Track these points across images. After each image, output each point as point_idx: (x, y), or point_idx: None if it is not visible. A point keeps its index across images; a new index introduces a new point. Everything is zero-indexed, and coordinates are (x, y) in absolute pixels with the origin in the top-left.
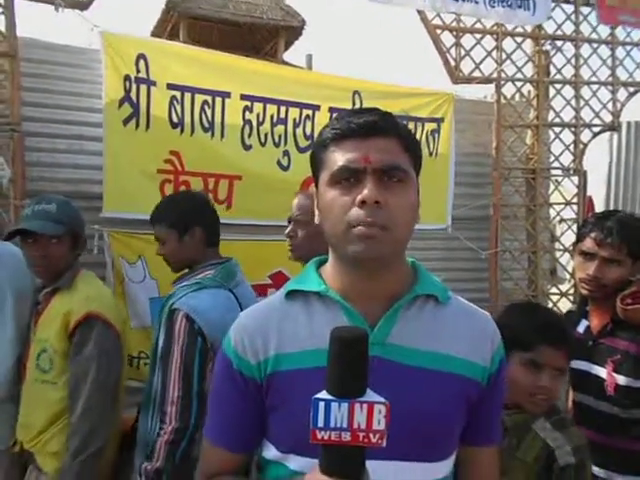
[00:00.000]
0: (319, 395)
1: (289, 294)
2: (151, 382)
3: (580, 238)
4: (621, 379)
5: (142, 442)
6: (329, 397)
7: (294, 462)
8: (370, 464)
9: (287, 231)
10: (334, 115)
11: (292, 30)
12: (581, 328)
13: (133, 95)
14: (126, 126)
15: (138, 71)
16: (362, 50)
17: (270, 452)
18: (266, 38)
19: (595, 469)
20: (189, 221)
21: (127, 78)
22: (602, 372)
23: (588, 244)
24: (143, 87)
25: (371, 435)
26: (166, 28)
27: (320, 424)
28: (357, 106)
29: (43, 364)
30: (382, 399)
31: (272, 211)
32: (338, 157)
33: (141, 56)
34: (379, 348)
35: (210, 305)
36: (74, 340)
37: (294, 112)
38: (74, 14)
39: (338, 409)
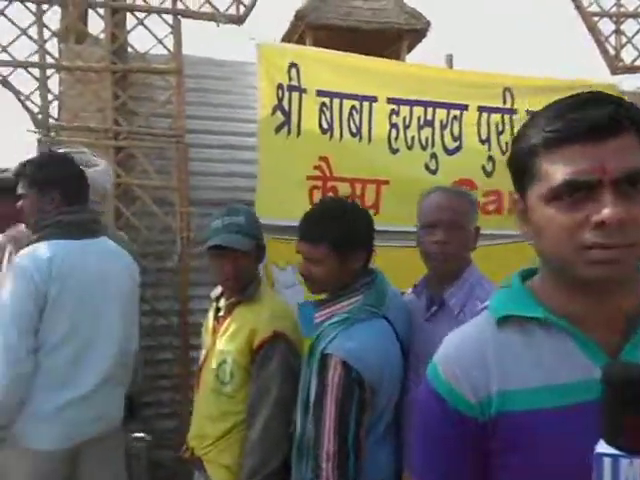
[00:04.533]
0: (602, 449)
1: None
2: (303, 429)
3: None
4: None
5: None
6: (615, 452)
7: None
8: None
9: (437, 238)
10: (529, 112)
11: (415, 33)
12: None
13: (285, 103)
14: (278, 134)
15: (290, 79)
16: (506, 45)
17: None
18: (387, 42)
19: None
20: (357, 243)
21: (280, 87)
22: None
23: None
24: (295, 95)
25: None
26: (291, 39)
27: None
28: (508, 104)
29: (222, 375)
30: None
31: None
32: (559, 168)
33: (293, 65)
34: None
35: (367, 345)
36: (258, 357)
37: (441, 113)
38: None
39: (629, 466)
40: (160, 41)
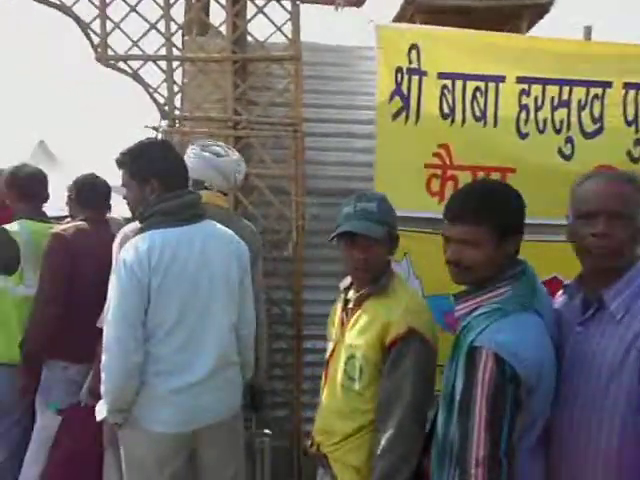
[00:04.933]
0: None
1: None
2: (446, 429)
3: None
4: None
5: None
6: None
7: None
8: None
9: (597, 230)
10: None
11: (537, 8)
12: None
13: (404, 88)
14: (395, 120)
15: (410, 62)
16: None
17: None
18: (503, 21)
19: None
20: (515, 226)
21: (399, 70)
22: None
23: None
24: (414, 78)
25: None
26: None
27: None
28: None
29: (351, 371)
30: None
31: (549, 207)
32: None
33: (413, 46)
34: None
35: (522, 338)
36: (391, 354)
37: (579, 92)
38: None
39: None
40: (279, 28)
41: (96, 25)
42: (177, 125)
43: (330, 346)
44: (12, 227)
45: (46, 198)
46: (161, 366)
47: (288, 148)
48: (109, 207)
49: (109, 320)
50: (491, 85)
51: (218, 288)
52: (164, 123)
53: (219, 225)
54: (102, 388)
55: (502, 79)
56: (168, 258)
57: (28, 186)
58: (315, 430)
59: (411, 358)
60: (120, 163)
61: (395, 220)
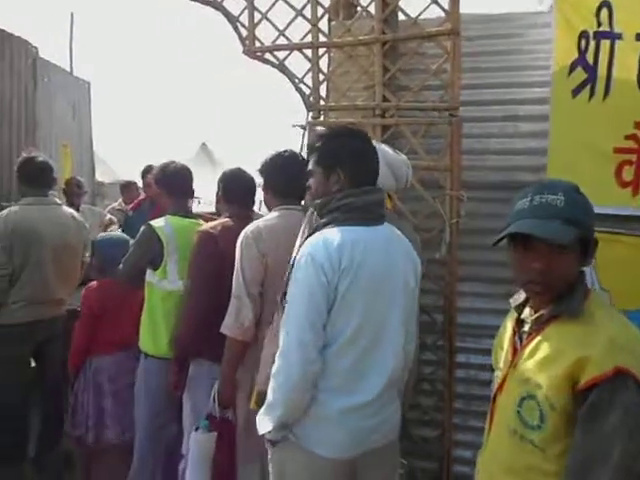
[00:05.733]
0: None
1: None
2: None
3: None
4: None
5: None
6: None
7: None
8: None
9: None
10: None
11: None
12: None
13: (589, 56)
14: (576, 97)
15: (599, 24)
16: None
17: None
18: None
19: None
20: None
21: (583, 35)
22: None
23: None
24: (605, 43)
25: None
26: None
27: None
28: None
29: (528, 416)
30: None
31: None
32: None
33: (604, 4)
34: None
35: None
36: (588, 401)
37: None
38: None
39: None
40: (435, 0)
41: (244, 18)
42: (322, 117)
43: (498, 376)
44: (158, 223)
45: (191, 194)
46: (333, 381)
47: (442, 136)
48: (253, 202)
49: (289, 322)
50: None
51: (398, 298)
52: (310, 116)
53: (396, 229)
54: (270, 398)
55: None
56: (359, 260)
57: (174, 182)
58: (479, 478)
59: (620, 409)
60: (310, 147)
61: (591, 218)
